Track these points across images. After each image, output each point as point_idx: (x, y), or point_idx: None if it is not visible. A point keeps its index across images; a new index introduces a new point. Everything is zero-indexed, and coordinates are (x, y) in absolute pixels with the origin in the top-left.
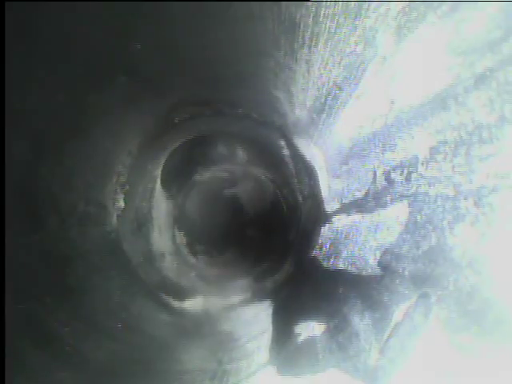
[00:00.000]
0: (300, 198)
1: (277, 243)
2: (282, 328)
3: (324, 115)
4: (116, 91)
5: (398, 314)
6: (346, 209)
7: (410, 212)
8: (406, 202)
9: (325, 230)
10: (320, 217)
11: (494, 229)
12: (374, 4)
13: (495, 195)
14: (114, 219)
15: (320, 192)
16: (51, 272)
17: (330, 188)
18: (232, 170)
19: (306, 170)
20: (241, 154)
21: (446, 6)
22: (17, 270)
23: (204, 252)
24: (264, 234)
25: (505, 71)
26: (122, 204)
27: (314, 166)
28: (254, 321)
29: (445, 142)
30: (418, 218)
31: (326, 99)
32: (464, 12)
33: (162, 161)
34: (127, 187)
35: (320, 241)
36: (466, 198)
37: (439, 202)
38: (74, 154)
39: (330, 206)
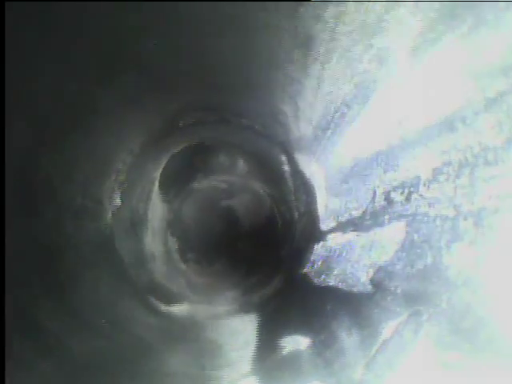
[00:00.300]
0: (296, 215)
1: (268, 258)
2: (267, 340)
3: (329, 132)
4: (124, 87)
5: (387, 330)
6: (341, 227)
7: (407, 231)
8: (404, 221)
9: (318, 248)
10: (314, 234)
11: (492, 249)
12: (392, 22)
13: (496, 216)
14: (109, 216)
15: (316, 210)
16: (42, 262)
17: (327, 206)
18: (231, 181)
19: (305, 187)
20: (241, 165)
21: (464, 27)
22: (8, 256)
23: (194, 260)
24: (256, 248)
25: None
26: (118, 202)
27: (313, 184)
28: (239, 331)
29: (449, 164)
30: (415, 237)
31: (333, 116)
32: (481, 36)
33: (163, 163)
34: (125, 186)
35: (312, 258)
36: (465, 219)
37: (438, 223)
38: (76, 146)
39: (325, 224)
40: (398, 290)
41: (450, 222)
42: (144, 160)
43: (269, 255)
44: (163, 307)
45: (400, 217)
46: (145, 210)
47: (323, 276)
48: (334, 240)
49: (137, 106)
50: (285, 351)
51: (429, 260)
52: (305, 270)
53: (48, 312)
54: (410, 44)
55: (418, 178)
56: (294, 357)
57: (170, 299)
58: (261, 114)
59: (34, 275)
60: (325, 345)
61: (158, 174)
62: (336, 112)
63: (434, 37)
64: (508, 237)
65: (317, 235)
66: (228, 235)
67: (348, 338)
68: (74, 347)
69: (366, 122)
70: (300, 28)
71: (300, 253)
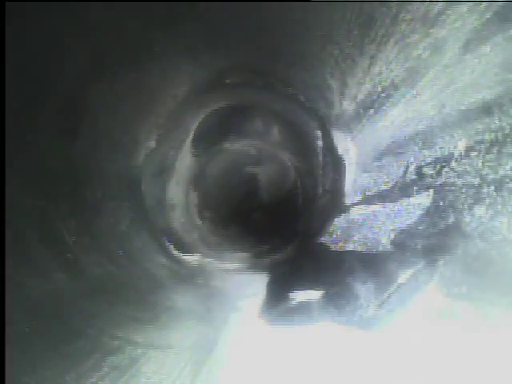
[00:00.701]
0: (320, 192)
1: (283, 232)
2: (277, 292)
3: (371, 111)
4: (182, 35)
5: (403, 277)
6: (367, 200)
7: (433, 199)
8: (431, 191)
9: (339, 220)
10: (337, 209)
11: (508, 207)
12: (451, 17)
13: None
14: (142, 157)
15: (343, 187)
16: (73, 184)
17: (356, 181)
18: (261, 147)
19: (334, 164)
20: (275, 133)
21: None
22: (41, 170)
23: (210, 218)
24: (272, 220)
25: None
26: (152, 144)
27: (344, 160)
28: (247, 283)
29: (481, 142)
30: (441, 203)
31: (378, 96)
32: None
33: (201, 117)
34: (162, 130)
35: (331, 229)
36: (489, 186)
37: (463, 190)
38: (124, 80)
39: (351, 198)
40: (418, 246)
41: (475, 189)
42: (185, 109)
43: (284, 229)
44: (175, 253)
45: (428, 188)
46: (174, 159)
47: (341, 243)
48: (357, 212)
49: (190, 55)
50: (295, 301)
51: (450, 221)
52: (321, 239)
53: (71, 230)
54: (463, 37)
55: (452, 154)
56: (305, 305)
57: (183, 248)
58: (308, 85)
59: (65, 194)
60: (338, 295)
61: (194, 127)
62: (382, 93)
63: (486, 34)
64: None
65: (339, 210)
66: (246, 203)
67: (362, 287)
68: (89, 267)
69: (410, 104)
70: (365, 8)
71: (318, 227)
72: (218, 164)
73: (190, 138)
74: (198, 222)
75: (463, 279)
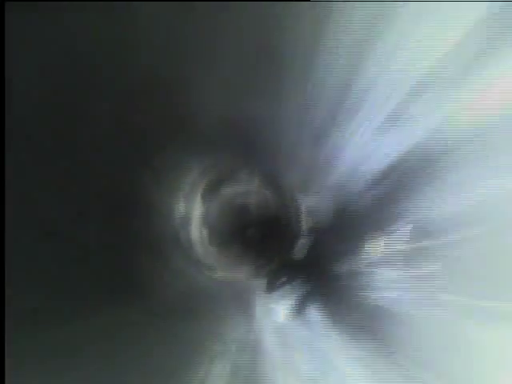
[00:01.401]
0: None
1: (273, 247)
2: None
3: None
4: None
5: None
6: None
7: None
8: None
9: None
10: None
11: None
12: None
13: None
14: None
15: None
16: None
17: None
18: (248, 189)
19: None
20: (257, 181)
21: None
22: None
23: (218, 244)
24: (263, 239)
25: None
26: (182, 208)
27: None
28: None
29: None
30: None
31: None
32: None
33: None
34: (185, 198)
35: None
36: None
37: None
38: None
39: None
40: None
41: None
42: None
43: (273, 244)
44: (206, 272)
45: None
46: (192, 211)
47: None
48: None
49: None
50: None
51: None
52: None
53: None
54: None
55: None
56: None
57: (207, 269)
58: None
59: None
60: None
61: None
62: None
63: None
64: None
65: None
66: (241, 227)
67: None
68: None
69: None
70: None
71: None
72: (217, 204)
73: (199, 195)
74: (211, 249)
75: None
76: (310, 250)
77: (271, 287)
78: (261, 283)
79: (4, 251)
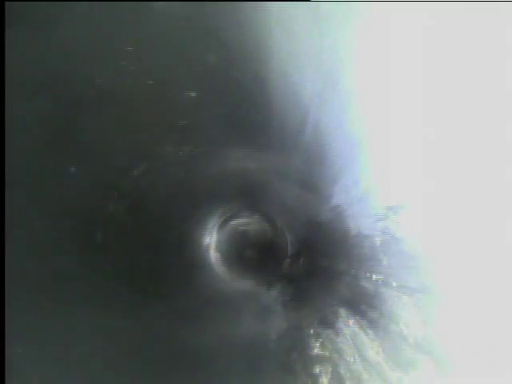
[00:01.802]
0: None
1: (270, 265)
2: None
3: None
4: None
5: None
6: None
7: None
8: None
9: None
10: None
11: None
12: None
13: None
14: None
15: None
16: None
17: None
18: (249, 221)
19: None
20: (256, 217)
21: None
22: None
23: (227, 265)
24: (262, 259)
25: None
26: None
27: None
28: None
29: None
30: None
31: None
32: None
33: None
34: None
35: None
36: None
37: None
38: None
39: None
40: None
41: None
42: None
43: (270, 263)
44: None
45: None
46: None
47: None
48: None
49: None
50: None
51: None
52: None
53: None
54: None
55: None
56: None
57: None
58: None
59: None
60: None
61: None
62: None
63: None
64: None
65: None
66: (244, 250)
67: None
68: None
69: None
70: None
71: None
72: (225, 232)
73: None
74: (222, 269)
75: None
76: (294, 266)
77: (270, 287)
78: (262, 288)
79: (4, 251)
